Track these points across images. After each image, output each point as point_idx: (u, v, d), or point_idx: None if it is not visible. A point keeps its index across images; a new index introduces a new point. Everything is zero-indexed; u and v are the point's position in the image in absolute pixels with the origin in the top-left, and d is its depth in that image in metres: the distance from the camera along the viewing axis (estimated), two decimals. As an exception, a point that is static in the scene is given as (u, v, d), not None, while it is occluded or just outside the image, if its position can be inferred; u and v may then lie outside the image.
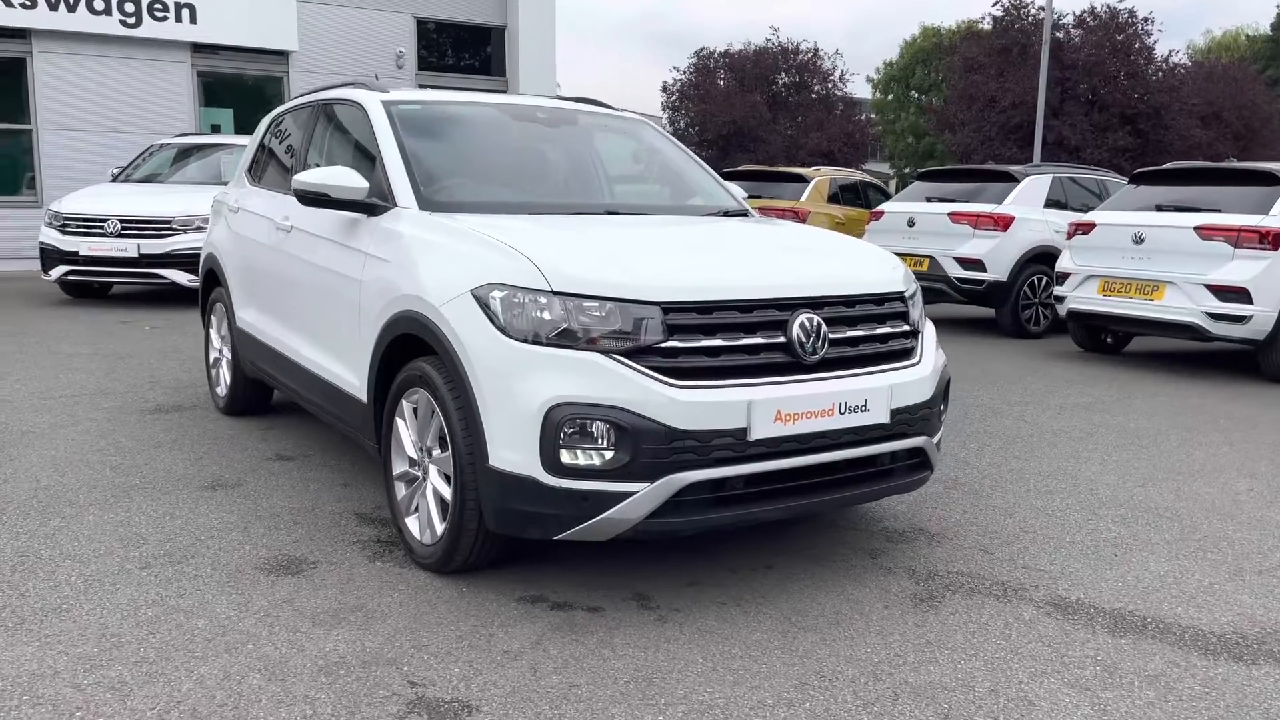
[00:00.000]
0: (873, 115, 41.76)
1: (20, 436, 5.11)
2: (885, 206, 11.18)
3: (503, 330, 3.07)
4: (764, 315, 3.21)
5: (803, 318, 3.25)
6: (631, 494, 2.97)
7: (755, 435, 3.06)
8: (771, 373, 3.17)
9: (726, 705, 2.65)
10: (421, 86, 15.46)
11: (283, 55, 15.49)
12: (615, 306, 3.04)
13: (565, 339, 3.01)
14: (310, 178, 3.87)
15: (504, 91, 17.53)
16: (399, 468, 3.61)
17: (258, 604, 3.18)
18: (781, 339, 3.21)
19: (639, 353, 3.02)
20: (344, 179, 3.86)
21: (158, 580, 3.35)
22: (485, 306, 3.11)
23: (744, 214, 4.56)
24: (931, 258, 10.15)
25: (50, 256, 10.29)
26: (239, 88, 15.89)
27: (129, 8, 14.09)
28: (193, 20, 14.54)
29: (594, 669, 2.82)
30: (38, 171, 13.86)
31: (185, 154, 11.83)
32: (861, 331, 3.42)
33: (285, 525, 3.90)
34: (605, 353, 3.00)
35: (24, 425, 5.33)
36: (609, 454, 2.96)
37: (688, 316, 3.09)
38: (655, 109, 31.98)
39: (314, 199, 3.88)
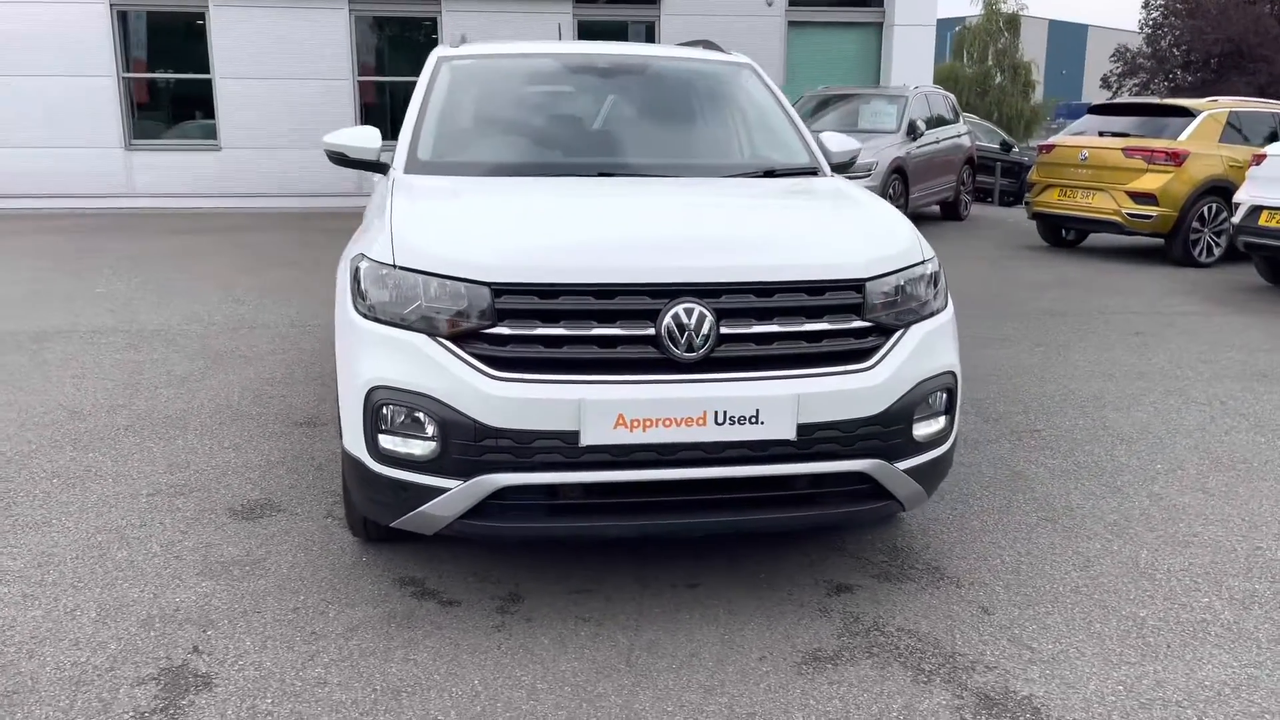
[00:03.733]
0: None
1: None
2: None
3: (357, 304, 2.96)
4: (630, 302, 2.77)
5: (679, 307, 2.75)
6: (445, 490, 2.76)
7: (589, 440, 2.68)
8: (636, 369, 2.74)
9: (434, 738, 2.41)
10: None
11: (653, 1, 15.92)
12: (445, 285, 2.80)
13: (399, 318, 2.84)
14: (332, 137, 3.97)
15: (879, 24, 16.57)
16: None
17: (187, 540, 3.43)
18: (651, 331, 2.75)
19: (466, 338, 2.76)
20: (359, 138, 3.91)
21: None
22: (355, 279, 3.02)
23: (810, 172, 3.93)
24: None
25: None
26: (616, 35, 16.63)
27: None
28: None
29: (369, 668, 2.70)
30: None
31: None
32: (776, 327, 2.83)
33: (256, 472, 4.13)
34: (432, 335, 2.78)
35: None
36: (427, 445, 2.77)
37: (525, 300, 2.76)
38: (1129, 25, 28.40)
39: (337, 158, 3.98)
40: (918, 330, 3.02)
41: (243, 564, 3.29)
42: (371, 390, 2.81)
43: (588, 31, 16.16)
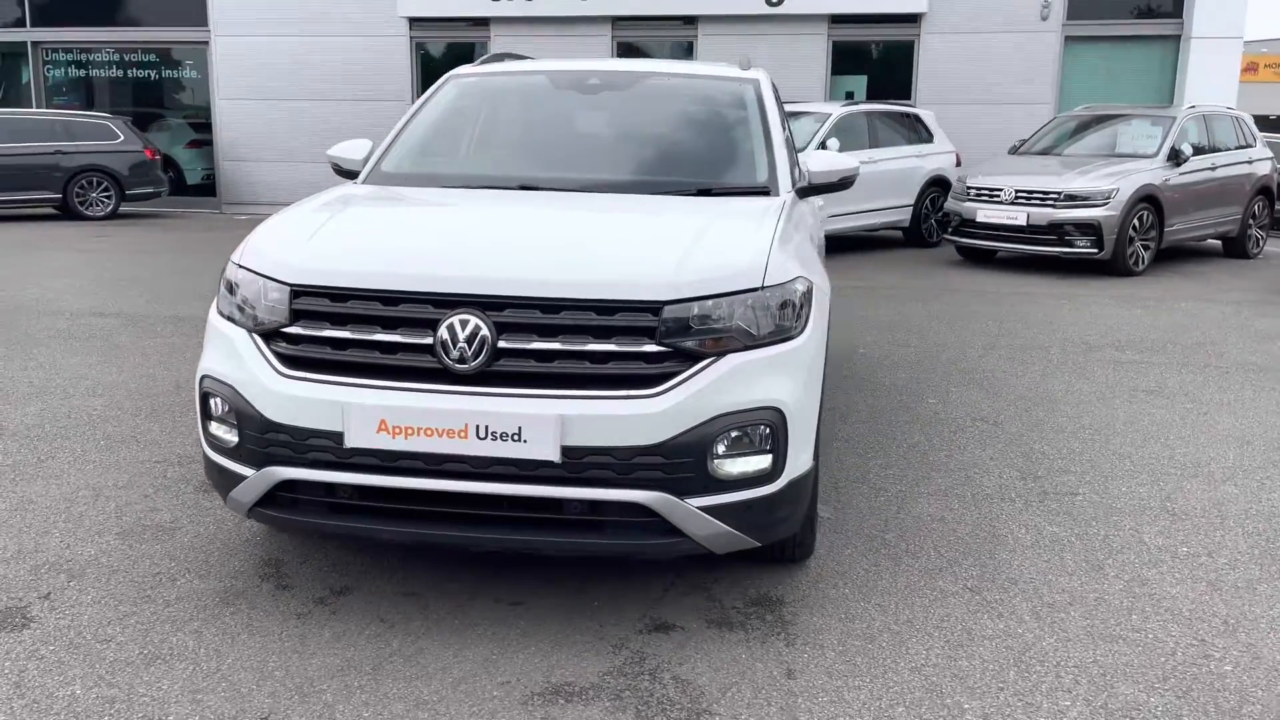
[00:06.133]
0: None
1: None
2: None
3: (217, 300, 3.21)
4: (413, 311, 2.82)
5: (455, 319, 2.76)
6: (245, 478, 2.94)
7: (352, 443, 2.76)
8: (411, 377, 2.79)
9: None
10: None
11: (914, 19, 15.27)
12: (261, 283, 2.98)
13: (231, 314, 3.06)
14: (333, 149, 4.28)
15: (1175, 37, 14.85)
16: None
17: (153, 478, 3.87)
18: (429, 340, 2.78)
19: (271, 335, 2.93)
20: (350, 150, 4.20)
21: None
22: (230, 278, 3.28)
23: (760, 192, 3.71)
24: None
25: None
26: (869, 54, 16.13)
27: (773, -14, 15.34)
28: (826, -9, 15.22)
29: (158, 635, 2.93)
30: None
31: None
32: (558, 345, 2.75)
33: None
34: (249, 331, 2.97)
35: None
36: (231, 433, 2.97)
37: (317, 302, 2.89)
38: None
39: (335, 168, 4.28)
40: (733, 360, 2.80)
41: (161, 528, 3.66)
42: (201, 380, 3.06)
43: (848, 49, 15.86)
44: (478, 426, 2.71)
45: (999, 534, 3.75)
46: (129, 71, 18.19)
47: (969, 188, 11.34)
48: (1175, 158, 11.07)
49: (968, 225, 11.26)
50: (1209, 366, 6.52)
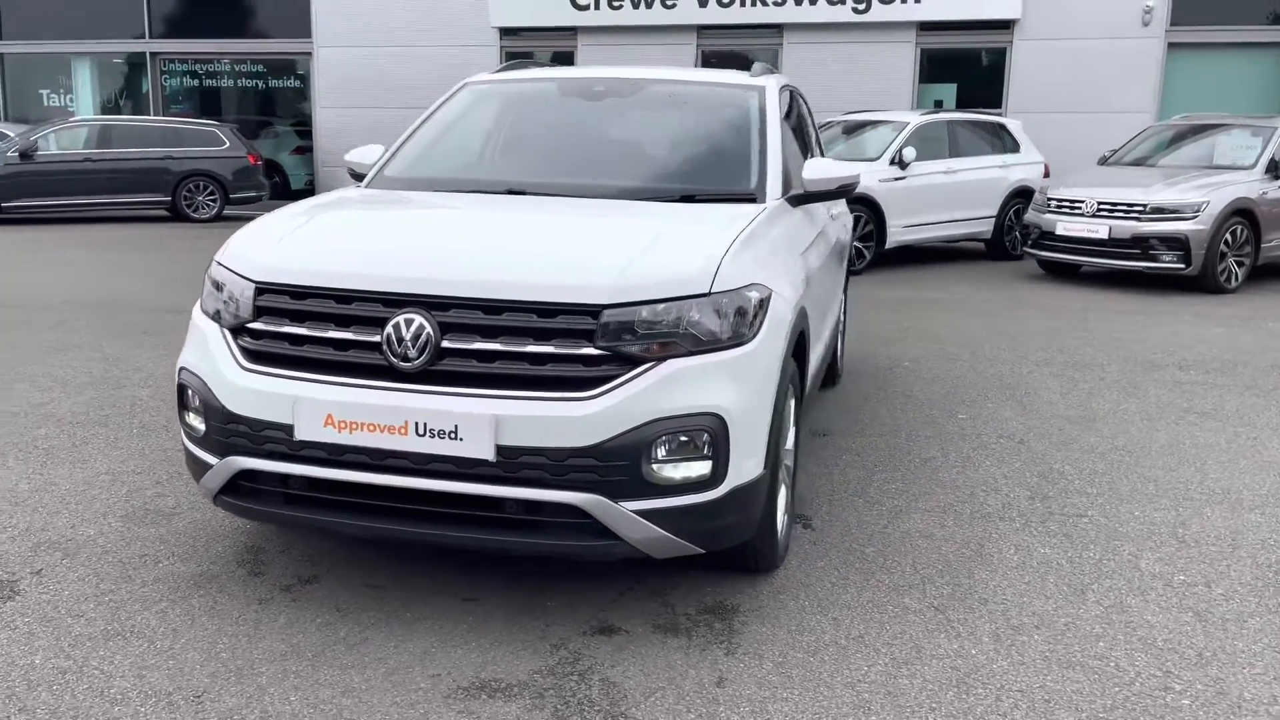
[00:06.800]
0: None
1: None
2: None
3: (205, 297, 3.35)
4: (364, 309, 2.91)
5: (401, 318, 2.83)
6: (211, 466, 3.07)
7: (301, 435, 2.86)
8: (359, 374, 2.88)
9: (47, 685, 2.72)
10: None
11: (1005, 25, 14.84)
12: (231, 280, 3.11)
13: (209, 309, 3.20)
14: (349, 154, 4.42)
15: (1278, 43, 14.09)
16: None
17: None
18: (378, 338, 2.86)
19: (238, 330, 3.06)
20: (363, 155, 4.33)
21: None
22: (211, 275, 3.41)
23: (746, 199, 3.68)
24: None
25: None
26: (958, 62, 15.74)
27: (859, -6, 15.13)
28: (916, 0, 14.89)
29: (126, 614, 3.08)
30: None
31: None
32: (499, 346, 2.80)
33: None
34: (221, 326, 3.11)
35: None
36: (200, 422, 3.11)
37: (279, 299, 3.00)
38: None
39: (350, 172, 4.41)
40: (675, 364, 2.80)
41: (161, 513, 3.83)
42: (180, 371, 3.21)
43: (937, 57, 15.55)
44: (417, 424, 2.77)
45: (985, 553, 3.63)
46: (239, 81, 19.06)
47: (1049, 199, 10.97)
48: (1275, 169, 10.51)
49: (1047, 238, 10.89)
50: (1278, 390, 6.17)
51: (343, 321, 2.92)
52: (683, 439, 2.80)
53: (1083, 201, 10.62)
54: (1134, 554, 3.65)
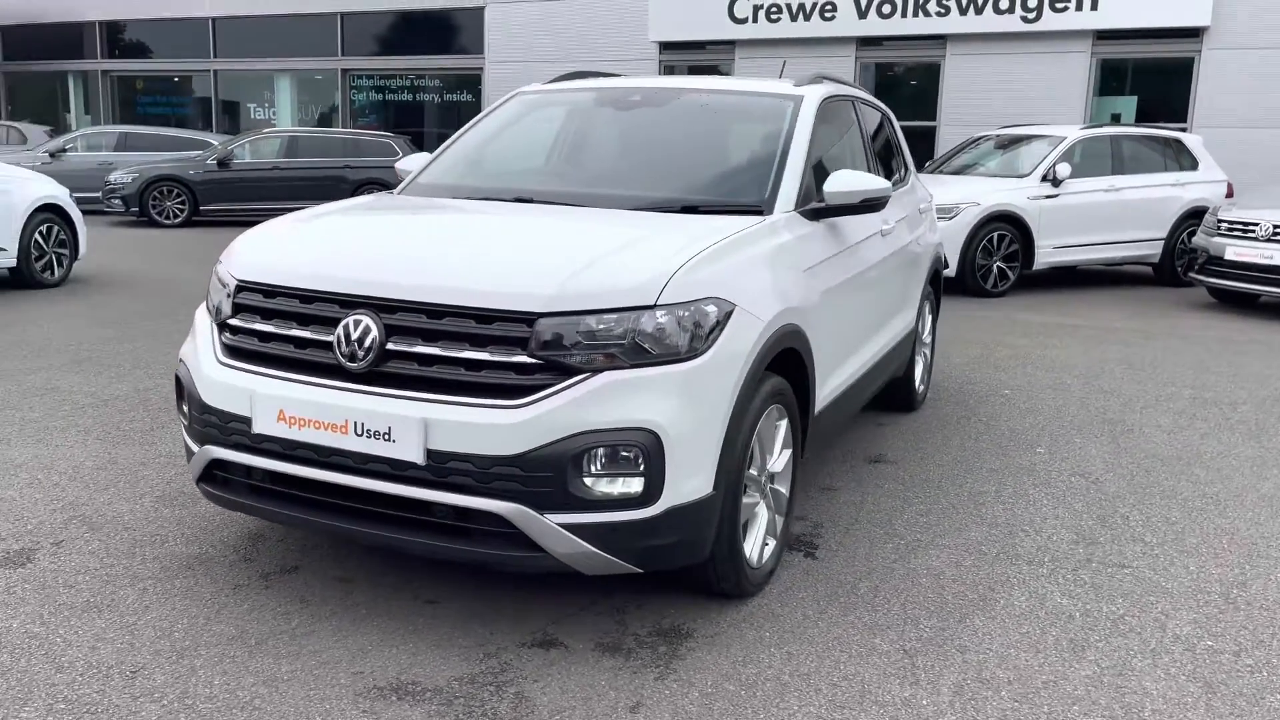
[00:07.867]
0: None
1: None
2: None
3: (210, 293, 3.53)
4: (322, 309, 2.99)
5: (350, 319, 2.89)
6: (194, 453, 3.23)
7: (258, 429, 2.97)
8: (312, 371, 2.96)
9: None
10: None
11: (1194, 33, 13.70)
12: (223, 279, 3.26)
13: (209, 305, 3.36)
14: (399, 162, 4.57)
15: None
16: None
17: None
18: (331, 338, 2.93)
19: (222, 326, 3.20)
20: (408, 164, 4.46)
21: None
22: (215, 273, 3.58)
23: (752, 211, 3.54)
24: None
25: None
26: (1139, 72, 14.65)
27: (1030, 2, 14.31)
28: (1094, 7, 13.96)
29: (109, 591, 3.27)
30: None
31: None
32: (438, 350, 2.81)
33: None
34: (212, 321, 3.27)
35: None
36: (187, 413, 3.27)
37: (252, 298, 3.13)
38: None
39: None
40: (608, 377, 2.72)
41: (191, 496, 4.05)
42: (179, 364, 3.38)
43: (1115, 67, 14.60)
44: (356, 423, 2.81)
45: (991, 598, 3.35)
46: (417, 95, 20.07)
47: (1219, 221, 10.06)
48: None
49: (1214, 263, 9.99)
50: None
51: (304, 320, 3.00)
52: (619, 454, 2.72)
53: (1256, 224, 9.68)
54: (1166, 612, 3.28)
